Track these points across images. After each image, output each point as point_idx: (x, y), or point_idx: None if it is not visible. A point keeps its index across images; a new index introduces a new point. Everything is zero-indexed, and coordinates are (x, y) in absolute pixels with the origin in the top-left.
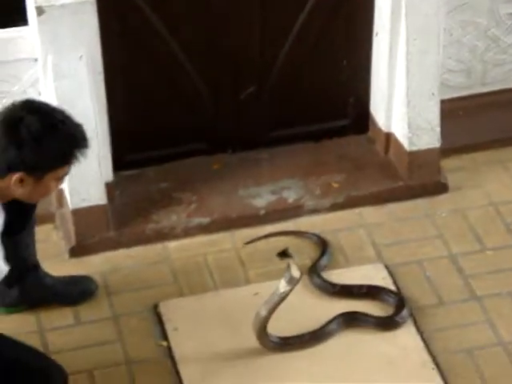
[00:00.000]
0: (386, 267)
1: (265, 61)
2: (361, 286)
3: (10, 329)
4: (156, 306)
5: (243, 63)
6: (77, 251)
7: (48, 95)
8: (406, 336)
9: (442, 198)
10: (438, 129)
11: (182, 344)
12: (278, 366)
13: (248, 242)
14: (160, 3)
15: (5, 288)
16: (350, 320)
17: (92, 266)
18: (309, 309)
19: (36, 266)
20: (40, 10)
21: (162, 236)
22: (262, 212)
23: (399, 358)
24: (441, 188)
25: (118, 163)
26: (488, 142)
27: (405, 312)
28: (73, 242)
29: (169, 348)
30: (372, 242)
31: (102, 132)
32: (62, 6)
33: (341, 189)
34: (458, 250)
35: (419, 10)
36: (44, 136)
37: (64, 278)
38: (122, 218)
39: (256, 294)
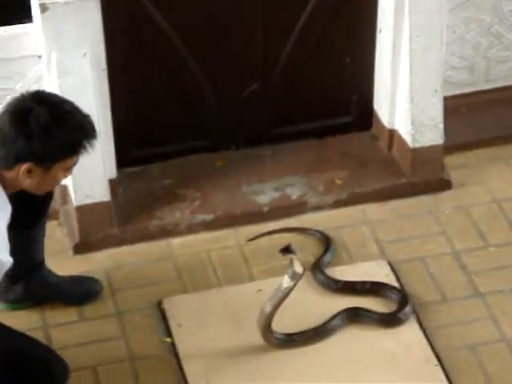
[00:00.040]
0: (389, 264)
1: (268, 58)
2: (364, 283)
3: (14, 325)
4: (160, 303)
5: (246, 61)
6: (81, 248)
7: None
8: (409, 332)
9: (446, 194)
10: (442, 126)
11: (186, 340)
12: (282, 363)
13: (251, 239)
14: (163, 1)
15: (9, 284)
16: (354, 316)
17: (96, 262)
18: (312, 305)
19: (41, 264)
20: (44, 7)
21: (166, 233)
22: (266, 209)
23: (402, 354)
24: (444, 185)
25: (122, 160)
26: (491, 139)
27: (408, 308)
28: (77, 238)
29: (172, 344)
30: (375, 238)
31: (105, 129)
32: (66, 3)
33: (344, 185)
34: (462, 246)
35: (422, 7)
36: (53, 127)
37: (69, 277)
38: (126, 214)
39: (259, 290)
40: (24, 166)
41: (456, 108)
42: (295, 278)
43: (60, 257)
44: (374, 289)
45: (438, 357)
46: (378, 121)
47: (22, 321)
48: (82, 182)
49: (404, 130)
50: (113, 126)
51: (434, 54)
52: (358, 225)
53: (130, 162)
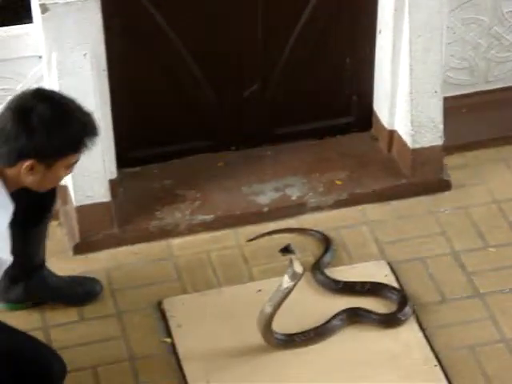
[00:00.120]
0: (389, 264)
1: (268, 58)
2: (364, 283)
3: (14, 325)
4: (160, 303)
5: (247, 61)
6: (81, 248)
7: None
8: (409, 333)
9: (445, 195)
10: (441, 126)
11: (186, 340)
12: (281, 363)
13: (251, 239)
14: (163, 1)
15: (9, 284)
16: (353, 316)
17: (96, 262)
18: (312, 306)
19: (42, 265)
20: (44, 8)
21: (166, 233)
22: (266, 209)
23: (402, 354)
24: (444, 185)
25: (122, 160)
26: (491, 140)
27: (407, 309)
28: (77, 238)
29: (172, 344)
30: (375, 239)
31: (105, 129)
32: (66, 3)
33: (344, 186)
34: (461, 247)
35: (422, 7)
36: (55, 124)
37: (69, 277)
38: (126, 215)
39: (259, 290)
40: (26, 163)
41: (456, 109)
42: (295, 278)
43: (60, 257)
44: (373, 289)
45: (437, 357)
46: (378, 121)
47: (23, 321)
48: (82, 182)
49: (404, 130)
50: (113, 126)
51: (433, 54)
52: (358, 225)
53: (130, 162)
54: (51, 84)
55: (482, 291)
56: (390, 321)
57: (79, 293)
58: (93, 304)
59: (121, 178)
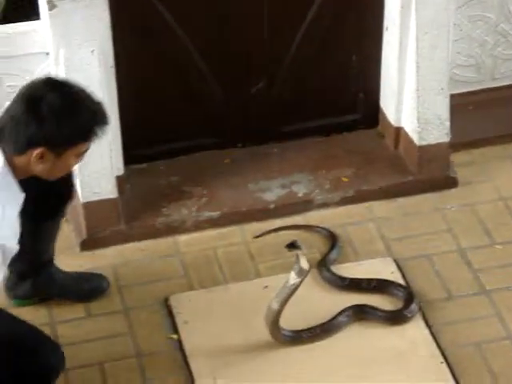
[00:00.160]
0: (395, 261)
1: (275, 56)
2: (370, 280)
3: None
4: (166, 299)
5: (253, 58)
6: (88, 244)
7: None
8: (415, 330)
9: (452, 192)
10: (448, 123)
11: (193, 337)
12: (288, 359)
13: (258, 236)
14: None
15: (17, 280)
16: (360, 313)
17: (103, 259)
18: (318, 302)
19: (50, 262)
20: (52, 5)
21: (173, 229)
22: (272, 206)
23: (408, 351)
24: (450, 182)
25: (129, 157)
26: (498, 137)
27: (413, 306)
28: (84, 235)
29: (179, 341)
30: (381, 236)
31: (113, 126)
32: (74, 0)
33: (350, 183)
34: (467, 244)
35: (429, 4)
36: (65, 112)
37: (76, 274)
38: (133, 211)
39: (266, 287)
40: (36, 151)
41: (462, 106)
42: (302, 274)
43: (67, 253)
44: (379, 286)
45: (443, 354)
46: (385, 118)
47: (30, 317)
48: (89, 178)
49: (410, 127)
50: (120, 123)
51: (440, 51)
52: (364, 222)
53: (137, 158)
54: None
55: (488, 288)
56: (396, 318)
57: (86, 289)
58: (100, 300)
59: (128, 175)
